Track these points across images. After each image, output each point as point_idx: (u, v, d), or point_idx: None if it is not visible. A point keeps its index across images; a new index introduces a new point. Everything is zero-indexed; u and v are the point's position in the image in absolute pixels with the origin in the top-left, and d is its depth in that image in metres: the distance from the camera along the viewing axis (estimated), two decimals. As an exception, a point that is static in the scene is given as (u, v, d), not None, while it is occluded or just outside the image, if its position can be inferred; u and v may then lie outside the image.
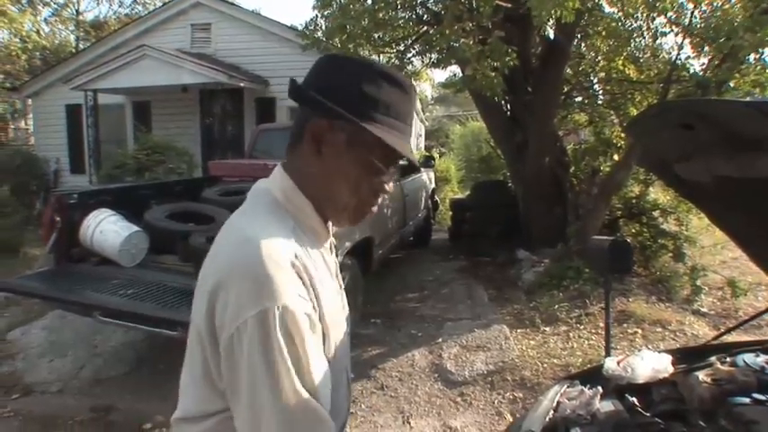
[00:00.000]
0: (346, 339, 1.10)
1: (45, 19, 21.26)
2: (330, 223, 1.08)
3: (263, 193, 1.03)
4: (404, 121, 1.00)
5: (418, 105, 17.14)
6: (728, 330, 2.69)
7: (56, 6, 21.43)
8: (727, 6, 5.00)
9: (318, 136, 0.97)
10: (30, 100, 14.14)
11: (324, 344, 0.94)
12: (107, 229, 4.09)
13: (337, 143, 0.96)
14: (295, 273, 0.89)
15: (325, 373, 0.91)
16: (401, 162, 1.06)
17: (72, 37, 22.08)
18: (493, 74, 5.02)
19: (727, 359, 1.74)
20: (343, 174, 0.98)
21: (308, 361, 0.87)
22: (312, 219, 1.01)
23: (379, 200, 1.05)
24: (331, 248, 1.11)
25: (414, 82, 11.82)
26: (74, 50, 18.00)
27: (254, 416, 0.85)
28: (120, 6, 23.11)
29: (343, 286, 1.15)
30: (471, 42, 5.03)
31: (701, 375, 1.61)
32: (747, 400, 1.49)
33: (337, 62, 1.04)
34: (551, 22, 5.68)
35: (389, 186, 1.04)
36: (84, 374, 4.19)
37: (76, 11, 22.05)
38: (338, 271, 1.14)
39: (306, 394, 0.86)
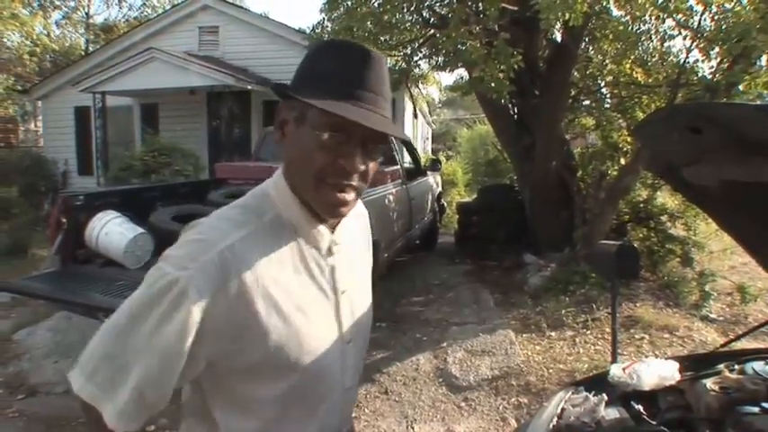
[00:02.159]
0: (336, 347, 1.05)
1: (55, 22, 21.46)
2: (339, 225, 1.06)
3: (258, 189, 1.04)
4: (357, 86, 0.92)
5: (425, 108, 17.12)
6: (737, 337, 2.65)
7: (66, 10, 21.63)
8: (738, 8, 4.95)
9: (280, 122, 0.99)
10: (39, 102, 14.25)
11: (255, 337, 0.92)
12: (112, 231, 4.10)
13: (290, 122, 0.96)
14: (212, 258, 0.88)
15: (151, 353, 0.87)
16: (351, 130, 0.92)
17: (82, 40, 22.27)
18: (501, 75, 5.00)
19: (736, 367, 1.71)
20: (299, 150, 0.95)
21: (149, 333, 0.87)
22: (296, 212, 0.99)
23: (350, 182, 0.95)
24: (331, 249, 1.05)
25: (420, 85, 11.88)
26: (83, 53, 18.12)
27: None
28: (129, 9, 23.32)
29: (347, 290, 1.08)
30: (478, 45, 5.01)
31: (709, 383, 1.58)
32: (756, 409, 1.46)
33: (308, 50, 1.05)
34: (558, 25, 5.66)
35: (356, 163, 0.93)
36: (88, 376, 4.20)
37: (86, 14, 22.24)
38: (336, 273, 1.06)
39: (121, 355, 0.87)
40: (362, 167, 0.95)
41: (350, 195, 0.96)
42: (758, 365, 1.68)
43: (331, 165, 0.92)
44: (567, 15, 4.45)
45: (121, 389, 0.87)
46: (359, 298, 1.14)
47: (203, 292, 0.86)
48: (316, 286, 1.02)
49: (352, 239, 1.13)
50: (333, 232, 1.05)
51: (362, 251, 1.21)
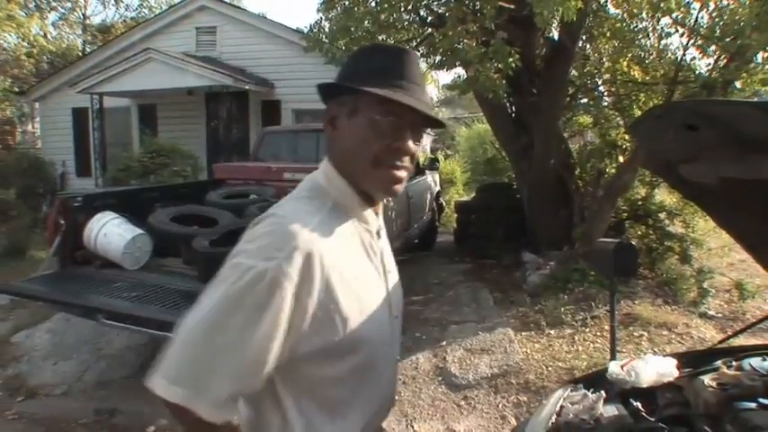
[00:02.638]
0: (388, 323, 1.16)
1: (52, 23, 21.40)
2: (380, 209, 1.17)
3: (308, 180, 1.13)
4: (400, 77, 1.04)
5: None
6: (735, 334, 2.66)
7: (63, 11, 21.58)
8: (734, 5, 4.96)
9: (331, 119, 1.09)
10: (37, 103, 14.22)
11: (324, 322, 0.98)
12: (111, 232, 4.10)
13: (344, 115, 1.06)
14: (294, 246, 0.93)
15: (246, 337, 0.92)
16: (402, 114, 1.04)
17: (79, 41, 22.22)
18: (495, 75, 4.99)
19: (734, 363, 1.72)
20: (355, 138, 1.05)
21: (251, 326, 0.92)
22: (352, 199, 1.09)
23: (404, 161, 1.06)
24: (379, 233, 1.16)
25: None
26: (80, 54, 18.09)
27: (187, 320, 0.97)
28: (126, 10, 23.26)
29: (391, 271, 1.20)
30: (474, 44, 5.01)
31: (707, 380, 1.59)
32: (754, 405, 1.46)
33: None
34: (555, 23, 5.66)
35: (408, 144, 1.05)
36: (88, 377, 4.20)
37: (83, 15, 22.21)
38: (384, 255, 1.17)
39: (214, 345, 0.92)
40: (413, 149, 1.07)
41: (403, 174, 1.07)
42: (755, 362, 1.69)
43: (386, 147, 1.03)
44: (560, 11, 4.45)
45: (216, 385, 0.93)
46: (395, 278, 1.24)
47: (293, 279, 0.93)
48: (373, 267, 1.13)
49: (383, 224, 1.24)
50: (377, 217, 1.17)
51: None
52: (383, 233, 1.19)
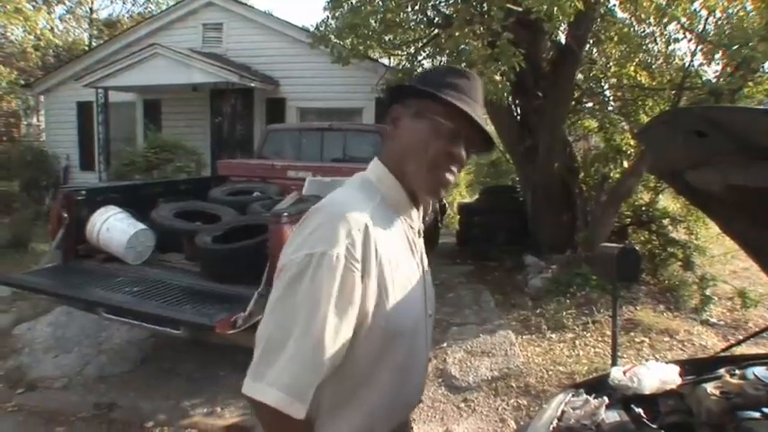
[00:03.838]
0: (424, 319, 1.21)
1: (59, 17, 21.43)
2: (421, 210, 1.23)
3: (358, 177, 1.20)
4: (466, 95, 1.13)
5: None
6: (739, 342, 2.64)
7: (70, 5, 21.58)
8: (742, 14, 4.95)
9: (395, 116, 1.17)
10: (42, 97, 14.23)
11: (376, 306, 1.05)
12: (114, 227, 4.10)
13: (407, 117, 1.14)
14: (356, 230, 1.02)
15: (338, 325, 1.00)
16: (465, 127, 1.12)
17: (85, 35, 22.25)
18: (498, 78, 4.98)
19: (737, 372, 1.70)
20: (416, 139, 1.12)
21: (325, 308, 0.98)
22: (400, 195, 1.16)
23: (455, 168, 1.13)
24: (419, 232, 1.23)
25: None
26: (86, 48, 18.11)
27: (263, 323, 1.03)
28: (133, 5, 23.29)
29: (428, 270, 1.27)
30: (480, 45, 5.00)
31: (710, 388, 1.58)
32: (757, 414, 1.45)
33: None
34: (563, 27, 5.65)
35: (462, 153, 1.12)
36: (88, 371, 4.20)
37: (90, 9, 22.22)
38: (423, 253, 1.24)
39: (313, 339, 0.97)
40: (465, 158, 1.14)
41: (452, 179, 1.14)
42: (759, 370, 1.67)
43: (443, 150, 1.11)
44: (556, 11, 4.43)
45: (313, 382, 0.99)
46: (430, 276, 1.30)
47: (359, 260, 1.01)
48: (415, 262, 1.20)
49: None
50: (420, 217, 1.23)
51: None
52: (421, 232, 1.25)
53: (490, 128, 1.18)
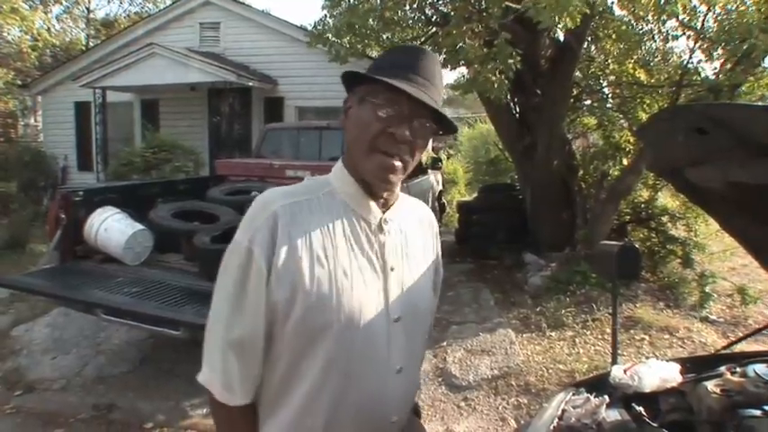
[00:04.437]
0: (382, 324, 1.11)
1: (56, 17, 21.38)
2: (393, 204, 1.19)
3: (318, 176, 1.20)
4: (415, 73, 1.07)
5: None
6: (739, 340, 2.64)
7: (66, 4, 21.53)
8: (742, 8, 4.94)
9: (345, 108, 1.15)
10: (39, 97, 14.19)
11: (290, 298, 1.03)
12: (112, 227, 4.08)
13: (353, 106, 1.12)
14: (264, 217, 1.05)
15: (240, 314, 1.05)
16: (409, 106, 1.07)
17: (82, 35, 22.20)
18: (494, 77, 4.97)
19: (738, 369, 1.70)
20: (358, 124, 1.09)
21: (230, 291, 1.05)
22: (352, 188, 1.13)
23: (399, 149, 1.07)
24: (381, 226, 1.15)
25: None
26: (84, 48, 18.07)
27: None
28: (130, 4, 23.24)
29: (396, 268, 1.16)
30: (477, 44, 4.99)
31: (711, 385, 1.57)
32: (758, 412, 1.44)
33: None
34: (561, 25, 5.64)
35: (406, 133, 1.06)
36: (86, 372, 4.19)
37: (87, 9, 22.16)
38: (385, 251, 1.15)
39: (222, 323, 1.06)
40: (409, 138, 1.07)
41: (397, 163, 1.08)
42: (760, 368, 1.67)
43: (383, 132, 1.05)
44: (557, 18, 4.42)
45: (224, 358, 1.05)
46: (411, 280, 1.19)
47: (263, 245, 1.03)
48: (364, 257, 1.12)
49: (409, 229, 1.22)
50: (384, 213, 1.16)
51: (421, 242, 1.27)
52: (392, 228, 1.17)
53: (436, 104, 1.10)
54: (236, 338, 1.04)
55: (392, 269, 1.14)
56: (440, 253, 1.35)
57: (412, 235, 1.22)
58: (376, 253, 1.13)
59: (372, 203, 1.14)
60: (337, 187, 1.13)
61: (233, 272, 1.04)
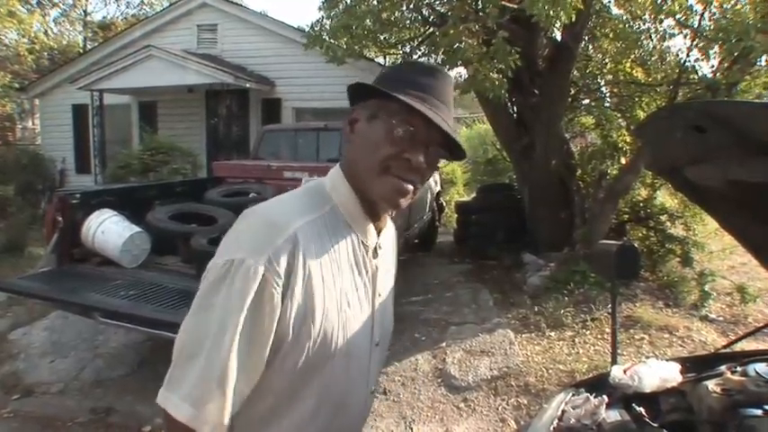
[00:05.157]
0: (367, 348, 1.10)
1: (53, 19, 21.37)
2: (384, 227, 1.13)
3: (314, 182, 1.11)
4: (430, 94, 1.01)
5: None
6: (739, 338, 2.63)
7: (64, 7, 21.54)
8: (738, 7, 4.94)
9: (353, 119, 1.06)
10: (37, 100, 14.18)
11: (300, 327, 0.94)
12: (109, 230, 4.08)
13: (364, 119, 1.04)
14: (282, 239, 0.92)
15: (248, 345, 0.91)
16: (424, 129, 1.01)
17: (80, 37, 22.19)
18: (495, 75, 4.97)
19: (738, 368, 1.69)
20: (370, 141, 1.02)
21: (233, 318, 0.90)
22: (354, 205, 1.05)
23: (412, 175, 1.01)
24: (376, 251, 1.10)
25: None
26: (81, 51, 18.06)
27: (185, 323, 0.96)
28: (127, 7, 23.26)
29: (382, 294, 1.13)
30: (475, 43, 4.98)
31: (711, 385, 1.57)
32: (759, 411, 1.44)
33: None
34: (558, 24, 5.64)
35: (420, 159, 1.00)
36: (84, 376, 4.17)
37: (84, 11, 22.17)
38: (377, 276, 1.11)
39: (223, 351, 0.90)
40: (424, 166, 1.02)
41: (409, 187, 1.02)
42: (761, 367, 1.66)
43: (397, 156, 0.99)
44: (553, 12, 4.42)
45: (211, 392, 0.91)
46: (388, 306, 1.19)
47: (282, 273, 0.91)
48: (362, 284, 1.07)
49: (388, 250, 1.19)
50: (378, 236, 1.11)
51: (391, 264, 1.24)
52: (381, 253, 1.13)
53: (456, 133, 1.05)
54: (235, 373, 0.91)
55: (379, 295, 1.12)
56: (396, 257, 1.31)
57: (388, 257, 1.20)
58: (370, 278, 1.09)
59: (371, 226, 1.08)
60: (338, 203, 1.05)
61: (240, 297, 0.90)
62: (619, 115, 6.86)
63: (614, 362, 2.14)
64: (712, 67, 5.56)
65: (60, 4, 21.28)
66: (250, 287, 0.89)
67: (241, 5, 12.50)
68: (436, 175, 8.91)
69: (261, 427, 1.00)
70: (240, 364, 0.91)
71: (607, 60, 6.90)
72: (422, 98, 0.99)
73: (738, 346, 2.44)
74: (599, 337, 4.67)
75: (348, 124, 1.07)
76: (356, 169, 1.04)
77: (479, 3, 5.46)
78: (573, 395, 1.75)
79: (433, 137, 1.01)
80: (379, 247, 1.11)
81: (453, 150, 1.08)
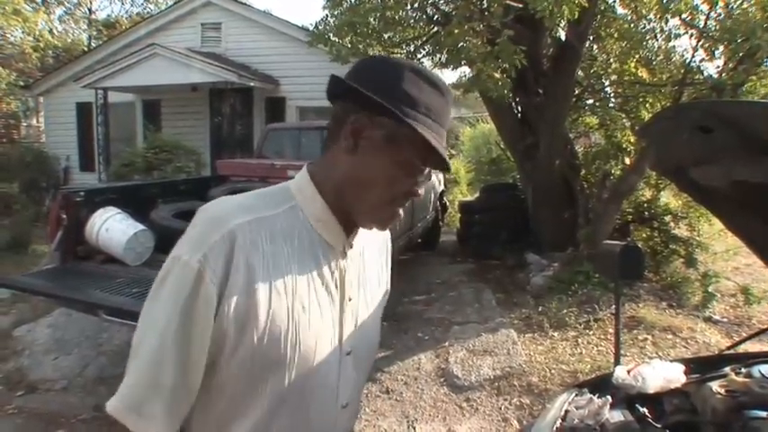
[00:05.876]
0: (334, 358, 1.02)
1: (58, 18, 21.44)
2: (349, 228, 1.04)
3: (281, 183, 1.04)
4: (441, 124, 0.97)
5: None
6: (744, 340, 2.63)
7: (69, 6, 21.60)
8: (745, 6, 4.92)
9: (358, 132, 0.95)
10: (41, 98, 14.25)
11: (242, 327, 0.90)
12: (113, 228, 4.08)
13: (376, 139, 0.94)
14: (220, 235, 0.89)
15: (181, 342, 0.88)
16: (435, 165, 0.99)
17: (84, 36, 22.27)
18: (499, 75, 4.96)
19: (742, 370, 1.69)
20: (378, 170, 0.95)
21: (166, 311, 0.88)
22: (318, 210, 0.99)
23: (407, 203, 1.01)
24: (344, 251, 1.03)
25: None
26: (86, 49, 18.10)
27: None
28: (131, 5, 23.31)
29: (354, 299, 1.06)
30: (479, 43, 4.98)
31: (715, 386, 1.56)
32: (763, 413, 1.43)
33: (377, 62, 1.07)
34: (563, 23, 5.63)
35: (421, 190, 1.00)
36: (88, 373, 4.19)
37: (89, 10, 22.24)
38: (345, 278, 1.03)
39: (160, 351, 0.88)
40: (421, 195, 1.01)
41: (401, 212, 1.01)
42: (765, 369, 1.66)
43: (409, 192, 0.98)
44: (557, 9, 4.41)
45: (153, 404, 0.88)
46: (365, 312, 1.10)
47: (216, 270, 0.87)
48: (323, 287, 1.00)
49: (368, 253, 1.12)
50: (347, 236, 1.03)
51: (378, 265, 1.18)
52: (353, 255, 1.06)
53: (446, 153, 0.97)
54: (172, 372, 0.88)
55: (349, 299, 1.04)
56: (389, 282, 1.24)
57: (370, 260, 1.13)
58: (336, 282, 1.01)
59: (338, 227, 1.01)
60: (302, 205, 0.98)
61: (176, 294, 0.88)
62: (623, 115, 6.85)
63: (617, 362, 2.13)
64: (717, 67, 5.55)
65: (65, 3, 21.39)
66: (186, 284, 0.87)
67: (245, 4, 12.50)
68: (440, 175, 8.90)
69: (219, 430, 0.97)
70: (178, 362, 0.88)
71: (612, 60, 6.88)
72: (435, 127, 0.95)
73: (742, 348, 2.43)
74: (602, 337, 4.66)
75: (351, 135, 0.95)
76: (353, 189, 0.97)
77: (484, 2, 5.45)
78: (576, 395, 1.75)
79: (434, 165, 0.99)
80: (349, 246, 1.04)
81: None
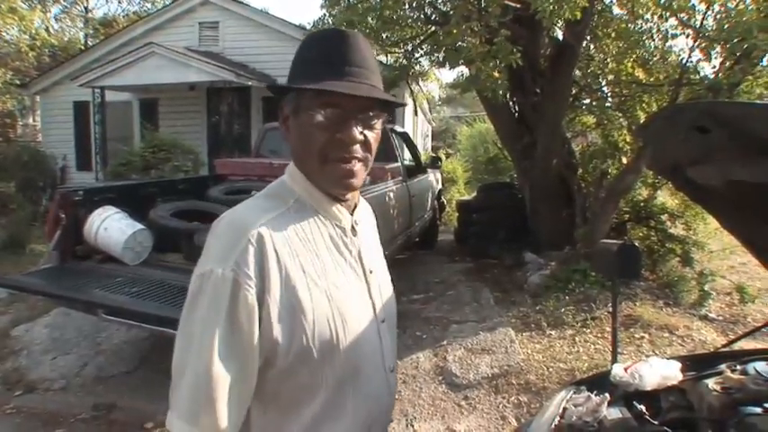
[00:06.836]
0: (374, 328, 1.09)
1: (54, 16, 21.36)
2: (359, 205, 1.13)
3: (275, 182, 1.10)
4: (343, 63, 0.97)
5: (425, 105, 17.07)
6: (739, 337, 2.64)
7: (65, 4, 21.53)
8: (741, 7, 4.93)
9: (283, 120, 1.06)
10: (38, 97, 14.18)
11: (291, 323, 0.93)
12: (111, 227, 4.08)
13: (289, 115, 1.03)
14: (247, 241, 0.91)
15: (229, 352, 0.89)
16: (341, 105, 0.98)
17: (81, 34, 22.18)
18: (496, 74, 4.97)
19: (738, 367, 1.70)
20: (301, 137, 1.01)
21: (207, 325, 0.89)
22: (315, 195, 1.04)
23: (354, 151, 1.00)
24: (354, 229, 1.10)
25: (421, 82, 11.84)
26: (82, 48, 18.05)
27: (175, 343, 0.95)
28: (128, 4, 23.24)
29: (374, 271, 1.12)
30: (477, 42, 4.99)
31: (711, 383, 1.58)
32: (759, 409, 1.45)
33: None
34: (560, 23, 5.64)
35: (353, 133, 0.98)
36: (87, 372, 4.19)
37: (86, 8, 22.17)
38: (362, 254, 1.10)
39: (206, 363, 0.88)
40: (361, 137, 1.00)
41: (355, 166, 1.01)
42: (760, 366, 1.67)
43: (330, 141, 0.98)
44: (557, 9, 4.42)
45: (209, 408, 0.89)
46: (384, 280, 1.18)
47: (252, 275, 0.90)
48: (348, 265, 1.06)
49: (367, 225, 1.19)
50: (351, 214, 1.10)
51: (375, 237, 1.25)
52: (361, 230, 1.12)
53: (378, 90, 1.01)
54: (227, 383, 0.89)
55: (371, 272, 1.11)
56: (376, 228, 1.30)
57: (369, 233, 1.20)
58: (355, 258, 1.08)
59: (341, 207, 1.07)
60: (301, 195, 1.04)
61: (216, 307, 0.89)
62: (620, 115, 6.86)
63: (615, 360, 2.15)
64: (714, 67, 5.56)
65: (61, 1, 21.28)
66: (223, 295, 0.88)
67: (243, 3, 12.47)
68: (437, 174, 8.92)
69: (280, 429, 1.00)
70: (229, 373, 0.89)
71: (609, 60, 6.89)
72: (334, 70, 0.96)
73: (738, 345, 2.46)
74: (599, 335, 4.68)
75: (282, 123, 1.06)
76: (302, 166, 1.04)
77: (482, 2, 5.46)
78: (574, 393, 1.76)
79: (361, 104, 0.98)
80: (356, 223, 1.10)
81: (389, 105, 1.06)
